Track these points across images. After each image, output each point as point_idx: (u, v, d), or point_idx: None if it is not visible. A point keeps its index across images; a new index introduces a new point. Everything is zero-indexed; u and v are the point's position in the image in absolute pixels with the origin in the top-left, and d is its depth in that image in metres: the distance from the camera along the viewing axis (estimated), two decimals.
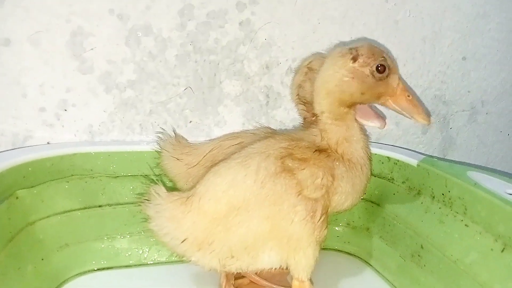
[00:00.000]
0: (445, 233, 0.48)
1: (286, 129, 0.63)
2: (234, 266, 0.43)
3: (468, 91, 0.73)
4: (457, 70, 0.71)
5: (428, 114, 0.48)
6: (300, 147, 0.45)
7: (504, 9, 0.70)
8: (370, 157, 0.51)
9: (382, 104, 0.48)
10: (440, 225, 0.49)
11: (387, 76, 0.46)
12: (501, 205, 0.42)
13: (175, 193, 0.43)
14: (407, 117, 0.48)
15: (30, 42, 0.54)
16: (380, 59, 0.45)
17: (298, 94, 0.54)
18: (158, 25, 0.57)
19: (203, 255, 0.42)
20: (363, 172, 0.49)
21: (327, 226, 0.44)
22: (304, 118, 0.54)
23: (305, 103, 0.53)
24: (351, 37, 0.64)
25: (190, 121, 0.62)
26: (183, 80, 0.60)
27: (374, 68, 0.45)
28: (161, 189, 0.43)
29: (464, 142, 0.75)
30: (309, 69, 0.53)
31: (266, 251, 0.42)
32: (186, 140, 0.57)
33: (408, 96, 0.47)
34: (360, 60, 0.45)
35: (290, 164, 0.43)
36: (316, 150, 0.46)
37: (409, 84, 0.69)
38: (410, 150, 0.61)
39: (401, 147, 0.61)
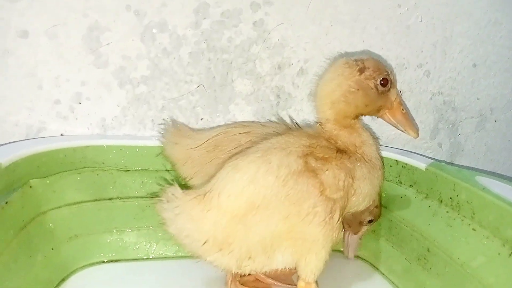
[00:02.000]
0: (452, 237, 0.48)
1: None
2: (249, 268, 0.42)
3: (478, 98, 0.73)
4: (467, 76, 0.71)
5: (417, 128, 0.50)
6: (322, 146, 0.45)
7: None
8: (382, 160, 0.51)
9: (379, 117, 0.50)
10: (447, 229, 0.49)
11: (388, 90, 0.47)
12: (510, 210, 0.42)
13: (190, 191, 0.41)
14: (399, 129, 0.49)
15: (47, 36, 0.55)
16: (385, 73, 0.46)
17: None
18: (173, 22, 0.58)
19: (222, 256, 0.41)
20: (381, 174, 0.49)
21: (342, 229, 0.44)
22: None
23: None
24: (363, 41, 0.65)
25: (202, 119, 0.62)
26: (195, 78, 0.61)
27: (379, 82, 0.46)
28: (177, 189, 0.41)
29: (472, 149, 0.75)
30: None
31: (281, 251, 0.42)
32: (188, 127, 0.57)
33: (403, 110, 0.49)
34: (367, 73, 0.46)
35: (312, 164, 0.42)
36: (338, 151, 0.45)
37: (419, 89, 0.69)
38: (418, 154, 0.61)
39: (409, 151, 0.62)
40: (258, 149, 0.42)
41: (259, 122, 0.58)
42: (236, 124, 0.54)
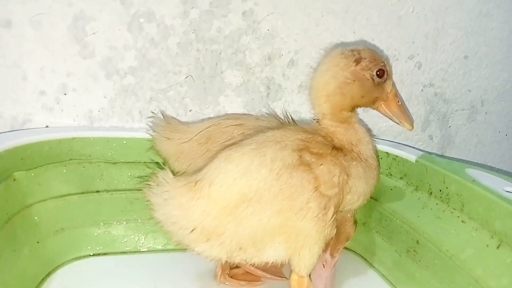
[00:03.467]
0: (442, 229, 0.48)
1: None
2: (239, 258, 0.42)
3: (469, 90, 0.73)
4: (459, 68, 0.71)
5: (412, 120, 0.49)
6: (317, 141, 0.44)
7: (507, 8, 0.70)
8: (378, 160, 0.50)
9: (374, 109, 0.49)
10: (436, 221, 0.49)
11: (384, 81, 0.46)
12: (499, 202, 0.42)
13: (181, 177, 0.41)
14: (394, 121, 0.49)
15: (31, 25, 0.54)
16: (381, 64, 0.46)
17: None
18: (161, 12, 0.57)
19: (211, 246, 0.40)
20: (376, 175, 0.48)
21: (336, 226, 0.43)
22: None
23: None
24: (354, 32, 0.64)
25: (190, 110, 0.62)
26: (184, 69, 0.60)
27: (375, 73, 0.45)
28: (168, 174, 0.40)
29: (463, 141, 0.75)
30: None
31: (273, 246, 0.41)
32: (178, 121, 0.56)
33: (398, 102, 0.48)
34: (363, 63, 0.45)
35: (307, 158, 0.41)
36: (333, 148, 0.44)
37: (410, 81, 0.69)
38: (409, 146, 0.61)
39: (400, 143, 0.61)
40: (253, 141, 0.42)
41: (253, 115, 0.57)
42: (228, 116, 0.53)
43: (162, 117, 0.56)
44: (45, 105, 0.57)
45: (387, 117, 0.49)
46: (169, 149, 0.51)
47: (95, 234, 0.54)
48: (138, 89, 0.59)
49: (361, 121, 0.51)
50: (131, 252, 0.55)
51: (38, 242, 0.49)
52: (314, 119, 0.49)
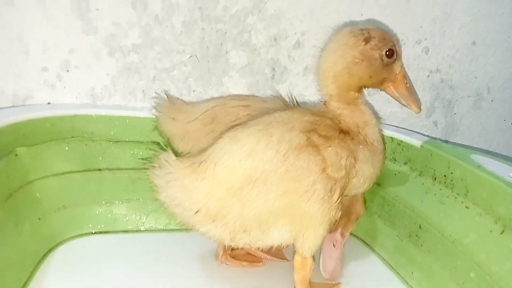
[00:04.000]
0: (445, 214, 0.48)
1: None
2: (243, 241, 0.41)
3: (475, 77, 0.72)
4: (466, 54, 0.70)
5: (420, 103, 0.48)
6: (325, 124, 0.43)
7: None
8: (384, 142, 0.49)
9: (382, 90, 0.48)
10: (440, 206, 0.49)
11: (393, 62, 0.45)
12: (504, 187, 0.42)
13: (184, 159, 0.40)
14: (402, 103, 0.48)
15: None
16: (391, 44, 0.45)
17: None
18: None
19: (215, 228, 0.40)
20: (382, 158, 0.47)
21: (341, 208, 0.43)
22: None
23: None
24: (362, 14, 0.63)
25: (194, 90, 0.61)
26: (188, 48, 0.59)
27: (384, 53, 0.44)
28: (171, 156, 0.40)
29: (467, 128, 0.75)
30: None
31: (278, 227, 0.41)
32: (182, 101, 0.56)
33: (407, 83, 0.47)
34: (372, 42, 0.44)
35: (315, 140, 0.40)
36: (340, 132, 0.44)
37: (416, 66, 0.68)
38: (414, 131, 0.60)
39: (405, 128, 0.61)
40: (260, 122, 0.41)
41: (259, 96, 0.56)
42: (234, 97, 0.52)
43: (166, 98, 0.55)
44: (47, 81, 0.56)
45: (394, 98, 0.48)
46: (173, 129, 0.51)
47: (97, 212, 0.54)
48: (141, 68, 0.58)
49: (367, 104, 0.50)
50: (132, 231, 0.55)
51: (39, 219, 0.49)
52: (321, 101, 0.48)
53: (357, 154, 0.44)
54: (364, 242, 0.59)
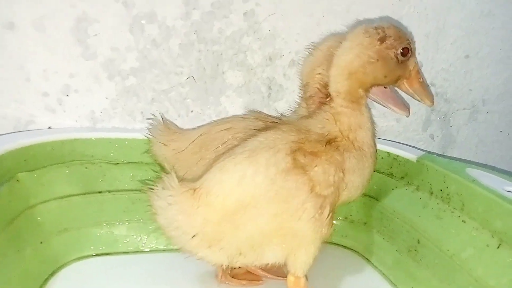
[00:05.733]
0: (442, 229, 0.48)
1: (280, 115, 0.61)
2: (241, 262, 0.42)
3: (470, 90, 0.73)
4: (460, 68, 0.71)
5: (433, 97, 0.48)
6: (310, 140, 0.43)
7: (509, 8, 0.70)
8: (376, 147, 0.50)
9: (396, 86, 0.48)
10: (437, 221, 0.49)
11: (407, 60, 0.45)
12: (499, 201, 0.42)
13: (185, 182, 0.41)
14: (415, 98, 0.48)
15: (34, 27, 0.54)
16: (406, 42, 0.44)
17: (320, 73, 0.51)
18: (163, 13, 0.57)
19: (212, 252, 0.40)
20: (371, 162, 0.48)
21: (333, 224, 0.43)
22: (310, 96, 0.52)
23: (324, 84, 0.51)
24: None
25: (192, 111, 0.62)
26: (186, 69, 0.60)
27: (399, 51, 0.44)
28: (174, 179, 0.40)
29: (464, 141, 0.75)
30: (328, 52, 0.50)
31: (271, 247, 0.41)
32: (176, 126, 0.57)
33: (420, 79, 0.47)
34: (388, 42, 0.44)
35: (301, 160, 0.41)
36: (326, 143, 0.44)
37: None
38: (410, 146, 0.61)
39: (401, 143, 0.62)
40: (245, 148, 0.41)
41: (239, 115, 0.58)
42: (216, 122, 0.53)
43: (161, 121, 0.56)
44: (48, 106, 0.57)
45: (408, 94, 0.48)
46: (165, 155, 0.52)
47: (98, 234, 0.55)
48: (140, 90, 0.60)
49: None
50: (133, 252, 0.56)
51: (41, 243, 0.50)
52: (326, 96, 0.47)
53: (344, 165, 0.44)
54: (363, 256, 0.59)
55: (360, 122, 0.47)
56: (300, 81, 0.55)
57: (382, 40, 0.44)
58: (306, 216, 0.40)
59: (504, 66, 0.73)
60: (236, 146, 0.43)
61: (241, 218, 0.39)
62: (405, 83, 0.47)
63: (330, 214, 0.42)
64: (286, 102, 0.65)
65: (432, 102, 0.48)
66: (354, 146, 0.46)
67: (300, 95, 0.55)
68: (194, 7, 0.58)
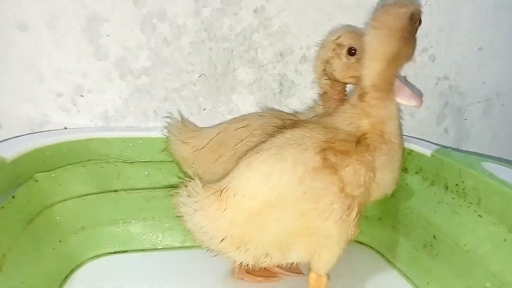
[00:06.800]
0: (458, 224, 0.48)
1: (295, 112, 0.61)
2: (267, 262, 0.42)
3: (484, 83, 0.72)
4: (473, 61, 0.70)
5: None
6: (340, 139, 0.42)
7: None
8: (402, 136, 0.48)
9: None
10: (453, 216, 0.49)
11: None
12: None
13: (209, 186, 0.40)
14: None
15: (47, 27, 0.55)
16: (420, 10, 0.43)
17: (324, 69, 0.51)
18: (173, 11, 0.57)
19: (239, 254, 0.40)
20: (401, 153, 0.46)
21: (359, 225, 0.43)
22: (324, 93, 0.53)
23: (330, 79, 0.51)
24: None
25: (204, 109, 0.62)
26: (197, 67, 0.60)
27: (418, 23, 0.43)
28: (198, 184, 0.40)
29: (479, 134, 0.74)
30: (337, 45, 0.50)
31: (296, 248, 0.41)
32: (194, 124, 0.57)
33: None
34: (415, 17, 0.43)
35: (332, 159, 0.40)
36: (356, 142, 0.43)
37: (424, 74, 0.68)
38: (424, 140, 0.60)
39: (415, 137, 0.61)
40: (272, 144, 0.41)
41: (256, 112, 0.58)
42: (234, 120, 0.53)
43: (178, 118, 0.56)
44: (62, 106, 0.58)
45: None
46: (183, 153, 0.52)
47: (114, 232, 0.55)
48: (152, 89, 0.60)
49: None
50: (149, 250, 0.56)
51: (60, 241, 0.50)
52: (358, 94, 0.46)
53: (375, 164, 0.43)
54: (379, 252, 0.59)
55: (390, 113, 0.45)
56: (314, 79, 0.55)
57: (411, 18, 0.42)
58: (334, 217, 0.40)
59: None
60: (262, 142, 0.42)
61: (267, 218, 0.39)
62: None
63: (358, 215, 0.41)
64: (297, 98, 0.64)
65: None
66: (384, 139, 0.45)
67: (317, 92, 0.55)
68: (204, 5, 0.58)
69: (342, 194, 0.40)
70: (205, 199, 0.39)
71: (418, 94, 0.49)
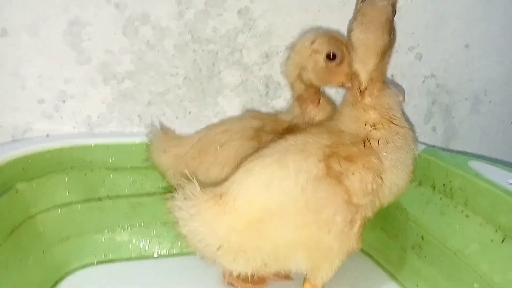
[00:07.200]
0: (446, 224, 0.48)
1: (276, 111, 0.61)
2: (264, 273, 0.41)
3: (471, 80, 0.72)
4: (460, 58, 0.70)
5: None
6: (344, 143, 0.41)
7: None
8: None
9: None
10: (440, 216, 0.49)
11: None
12: (503, 195, 0.42)
13: (207, 190, 0.39)
14: None
15: (27, 32, 0.54)
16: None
17: (299, 74, 0.51)
18: (156, 14, 0.56)
19: (237, 263, 0.39)
20: (412, 139, 0.46)
21: (363, 238, 0.42)
22: (299, 96, 0.52)
23: (305, 83, 0.51)
24: None
25: (189, 112, 0.61)
26: (181, 70, 0.59)
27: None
28: (196, 187, 0.38)
29: (467, 132, 0.74)
30: (313, 50, 0.49)
31: (295, 258, 0.40)
32: (174, 132, 0.57)
33: None
34: (395, 6, 0.45)
35: (336, 168, 0.39)
36: (363, 143, 0.42)
37: (411, 72, 0.68)
38: None
39: None
40: (274, 150, 0.40)
41: (236, 116, 0.58)
42: (213, 125, 0.53)
43: (158, 128, 0.56)
44: (45, 113, 0.57)
45: None
46: (165, 162, 0.52)
47: (100, 241, 0.55)
48: (136, 93, 0.59)
49: None
50: (136, 258, 0.56)
51: (43, 252, 0.49)
52: (359, 90, 0.46)
53: (383, 166, 0.42)
54: (368, 254, 0.59)
55: (393, 99, 0.46)
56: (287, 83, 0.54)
57: (393, 7, 0.45)
58: (335, 229, 0.38)
59: (505, 54, 0.72)
60: (265, 148, 0.41)
61: (267, 227, 0.37)
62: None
63: (360, 228, 0.40)
64: (284, 99, 0.64)
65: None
66: (395, 127, 0.44)
67: (291, 95, 0.55)
68: (187, 6, 0.57)
69: (345, 205, 0.39)
70: (203, 203, 0.38)
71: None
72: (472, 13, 0.68)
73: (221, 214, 0.37)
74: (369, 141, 0.43)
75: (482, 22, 0.69)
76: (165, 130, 0.55)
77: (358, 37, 0.44)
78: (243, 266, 0.39)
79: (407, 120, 0.47)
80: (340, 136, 0.42)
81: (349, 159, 0.40)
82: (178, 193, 0.39)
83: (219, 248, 0.38)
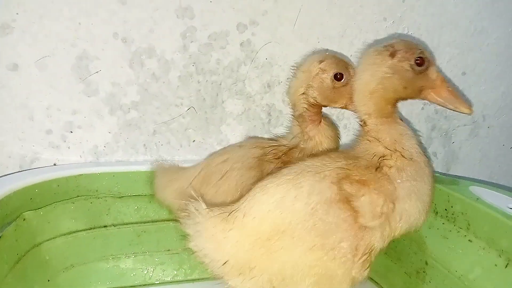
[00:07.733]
0: (449, 249, 0.48)
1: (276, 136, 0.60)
2: None
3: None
4: (457, 85, 0.71)
5: (469, 104, 0.46)
6: (359, 166, 0.42)
7: (501, 24, 0.71)
8: (425, 155, 0.47)
9: (424, 98, 0.47)
10: (444, 241, 0.49)
11: (426, 69, 0.45)
12: (503, 220, 0.42)
13: (215, 208, 0.40)
14: (449, 108, 0.46)
15: (37, 67, 0.56)
16: (418, 52, 0.44)
17: (304, 93, 0.51)
18: (161, 47, 0.59)
19: (243, 281, 0.39)
20: (429, 174, 0.45)
21: (368, 267, 0.41)
22: (300, 115, 0.53)
23: (309, 102, 0.51)
24: (351, 55, 0.65)
25: (194, 140, 0.63)
26: (186, 101, 0.61)
27: (413, 62, 0.44)
28: (201, 205, 0.39)
29: (467, 156, 0.75)
30: (321, 70, 0.50)
31: (301, 281, 0.39)
32: (176, 166, 0.57)
33: (448, 87, 0.46)
34: (398, 55, 0.44)
35: (348, 189, 0.39)
36: (377, 169, 0.42)
37: (409, 100, 0.69)
38: None
39: None
40: (291, 171, 0.40)
41: (236, 143, 0.58)
42: (214, 155, 0.54)
43: (160, 164, 0.56)
44: (52, 143, 0.58)
45: (439, 105, 0.47)
46: (168, 197, 0.52)
47: (104, 268, 0.55)
48: (142, 123, 0.61)
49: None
50: (140, 285, 0.56)
51: (48, 280, 0.50)
52: (360, 122, 0.47)
53: (395, 193, 0.42)
54: (373, 279, 0.59)
55: (400, 131, 0.46)
56: (288, 102, 0.55)
57: (392, 55, 0.44)
58: (340, 256, 0.38)
59: (501, 81, 0.74)
60: (282, 169, 0.42)
61: (275, 245, 0.37)
62: (432, 93, 0.46)
63: (364, 256, 0.40)
64: (286, 127, 0.65)
65: (470, 109, 0.45)
66: (405, 156, 0.44)
67: (292, 114, 0.55)
68: (191, 40, 0.59)
69: (353, 233, 0.39)
70: (207, 220, 0.38)
71: (468, 101, 0.48)
72: (467, 43, 0.70)
73: (227, 230, 0.38)
74: (382, 168, 0.43)
75: (477, 51, 0.71)
76: (166, 165, 0.56)
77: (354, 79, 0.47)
78: (249, 284, 0.39)
79: (423, 152, 0.47)
80: (355, 160, 0.43)
81: (362, 182, 0.40)
82: (186, 211, 0.40)
83: (225, 263, 0.38)
